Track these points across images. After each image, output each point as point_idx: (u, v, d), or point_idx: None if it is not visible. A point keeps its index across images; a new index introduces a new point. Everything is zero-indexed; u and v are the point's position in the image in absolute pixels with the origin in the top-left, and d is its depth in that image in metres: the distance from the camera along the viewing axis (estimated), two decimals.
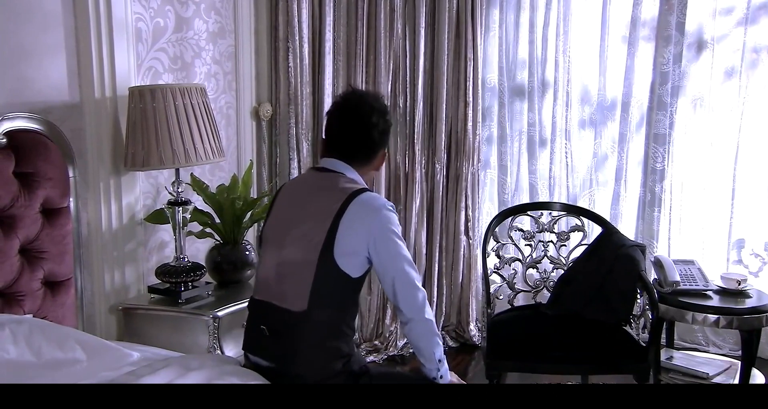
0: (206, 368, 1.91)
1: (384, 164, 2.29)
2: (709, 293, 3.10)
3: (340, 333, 1.98)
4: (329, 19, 3.64)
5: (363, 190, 1.98)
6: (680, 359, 3.23)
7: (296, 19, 3.54)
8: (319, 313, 1.92)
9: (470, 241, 3.85)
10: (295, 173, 3.65)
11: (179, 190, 2.73)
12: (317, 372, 1.93)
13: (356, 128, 2.04)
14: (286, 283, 1.96)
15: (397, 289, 1.95)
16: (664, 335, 3.31)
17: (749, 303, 3.02)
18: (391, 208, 1.99)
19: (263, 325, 1.98)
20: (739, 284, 3.10)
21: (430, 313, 1.99)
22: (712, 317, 2.96)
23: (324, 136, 2.11)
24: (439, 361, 2.02)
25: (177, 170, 2.72)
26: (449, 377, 2.07)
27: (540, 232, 3.27)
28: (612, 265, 2.93)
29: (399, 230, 1.98)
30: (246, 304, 2.74)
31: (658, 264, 3.19)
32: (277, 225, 2.07)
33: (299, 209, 2.02)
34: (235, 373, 1.92)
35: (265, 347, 2.00)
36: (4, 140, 2.26)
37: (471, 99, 3.71)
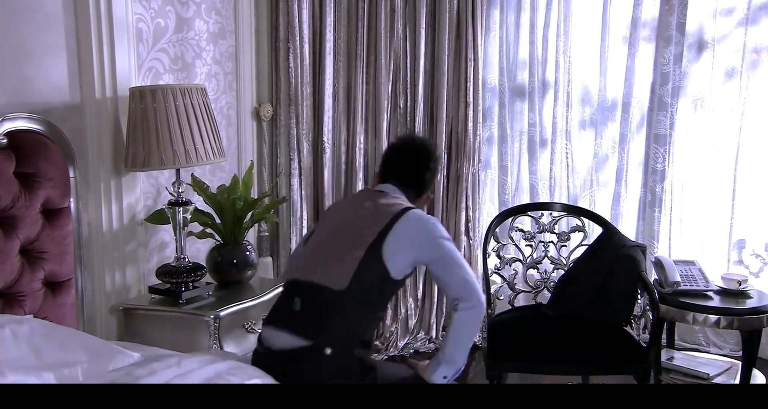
0: (206, 366, 1.91)
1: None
2: (710, 293, 3.10)
3: (367, 324, 2.13)
4: (330, 20, 3.64)
5: (414, 207, 2.19)
6: (681, 359, 3.23)
7: (297, 20, 3.54)
8: (356, 297, 2.03)
9: (471, 241, 3.84)
10: (295, 174, 3.65)
11: (180, 190, 2.73)
12: (338, 352, 2.00)
13: (418, 166, 2.30)
14: (331, 263, 2.08)
15: (464, 283, 2.10)
16: (664, 336, 3.31)
17: (750, 304, 3.02)
18: (435, 220, 2.21)
19: (298, 297, 2.08)
20: (740, 285, 3.10)
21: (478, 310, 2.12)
22: (713, 317, 2.96)
23: (382, 167, 2.33)
24: (456, 359, 2.14)
25: (177, 171, 2.72)
26: (437, 373, 2.14)
27: (540, 232, 3.27)
28: (612, 265, 2.93)
29: (447, 234, 2.17)
30: (246, 304, 2.76)
31: (659, 265, 3.19)
32: (330, 222, 2.28)
33: (354, 211, 2.24)
34: (235, 369, 1.92)
35: (292, 319, 2.07)
36: (5, 141, 2.26)
37: (471, 99, 3.71)
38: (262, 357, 2.09)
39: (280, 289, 2.27)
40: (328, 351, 1.99)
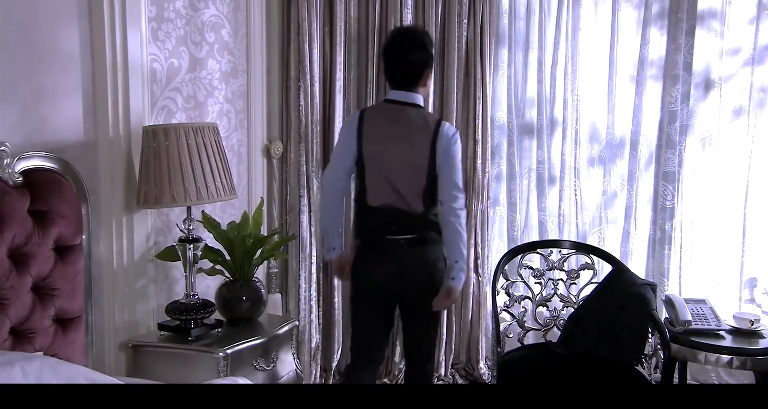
0: None
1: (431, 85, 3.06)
2: (722, 332, 3.08)
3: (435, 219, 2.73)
4: (340, 59, 3.69)
5: (441, 119, 2.80)
6: None
7: (307, 59, 3.60)
8: (427, 209, 2.70)
9: (480, 278, 3.83)
10: (305, 210, 3.67)
11: (190, 227, 2.75)
12: (430, 243, 2.71)
13: (401, 62, 2.72)
14: (404, 195, 2.68)
15: (446, 190, 2.69)
16: (676, 375, 3.27)
17: (763, 344, 3.00)
18: (458, 137, 2.74)
19: (393, 226, 2.69)
20: (752, 324, 3.08)
21: (462, 213, 2.70)
22: (726, 357, 2.93)
23: (385, 74, 2.81)
24: (456, 262, 2.68)
25: (189, 208, 2.74)
26: (461, 280, 2.70)
27: (550, 270, 3.27)
28: (623, 304, 2.92)
29: (460, 154, 2.74)
30: (256, 342, 2.77)
31: (669, 303, 3.17)
32: (380, 150, 2.71)
33: (396, 138, 2.70)
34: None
35: (391, 232, 2.69)
36: (20, 179, 2.29)
37: (480, 137, 3.74)
38: (371, 245, 2.77)
39: (367, 210, 2.78)
40: (422, 242, 2.69)
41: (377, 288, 2.76)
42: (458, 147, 2.72)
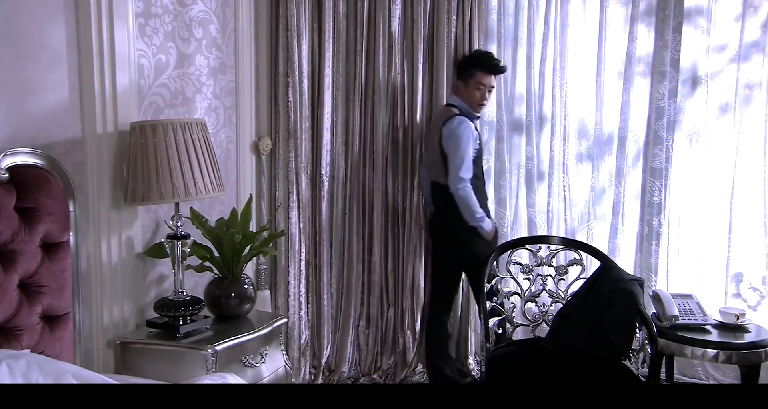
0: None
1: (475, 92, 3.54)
2: (708, 327, 3.10)
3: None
4: (328, 55, 3.69)
5: (452, 116, 3.44)
6: None
7: (296, 55, 3.59)
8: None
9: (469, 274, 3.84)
10: (294, 207, 3.67)
11: (179, 224, 2.73)
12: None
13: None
14: (440, 171, 3.48)
15: (450, 172, 3.39)
16: (663, 370, 3.30)
17: (748, 338, 3.02)
18: (462, 128, 3.39)
19: (435, 191, 3.55)
20: (738, 319, 3.10)
21: (465, 189, 3.34)
22: (712, 351, 2.96)
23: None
24: (479, 218, 3.38)
25: (177, 204, 2.73)
26: (488, 226, 3.38)
27: (538, 266, 3.28)
28: (611, 299, 2.94)
29: (461, 140, 3.37)
30: (244, 338, 2.77)
31: (657, 298, 3.19)
32: (428, 142, 3.65)
33: (431, 133, 3.61)
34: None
35: (434, 200, 3.59)
36: (6, 175, 2.27)
37: None
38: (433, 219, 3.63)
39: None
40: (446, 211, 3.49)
41: None
42: (452, 139, 3.36)
